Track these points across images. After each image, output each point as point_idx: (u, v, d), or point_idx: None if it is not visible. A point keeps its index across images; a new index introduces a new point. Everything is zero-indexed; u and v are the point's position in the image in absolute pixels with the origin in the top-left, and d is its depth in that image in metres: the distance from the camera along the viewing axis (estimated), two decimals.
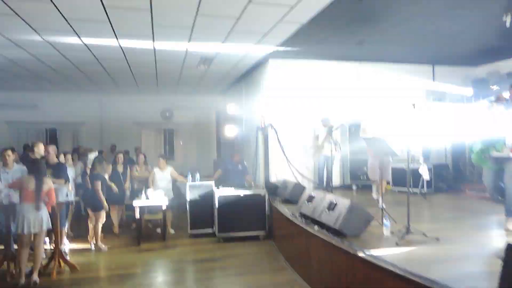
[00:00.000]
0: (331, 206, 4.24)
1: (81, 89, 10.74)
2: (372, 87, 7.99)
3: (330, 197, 4.53)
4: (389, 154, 5.00)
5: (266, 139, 8.12)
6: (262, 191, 6.81)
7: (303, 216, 4.99)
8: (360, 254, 3.32)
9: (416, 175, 6.69)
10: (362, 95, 7.83)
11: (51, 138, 11.55)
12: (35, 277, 4.90)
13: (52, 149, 6.45)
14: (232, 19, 5.05)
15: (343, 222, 3.90)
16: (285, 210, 5.77)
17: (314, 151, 7.64)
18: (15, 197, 4.98)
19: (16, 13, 4.71)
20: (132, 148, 10.60)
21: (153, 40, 6.01)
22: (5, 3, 4.36)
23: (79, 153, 8.38)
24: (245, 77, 9.32)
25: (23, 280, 4.80)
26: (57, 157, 6.23)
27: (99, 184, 6.39)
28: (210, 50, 6.67)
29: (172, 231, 7.40)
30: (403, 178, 6.14)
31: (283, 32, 5.68)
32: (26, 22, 5.03)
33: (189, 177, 7.14)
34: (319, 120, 7.53)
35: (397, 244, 3.66)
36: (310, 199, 4.97)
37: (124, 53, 6.77)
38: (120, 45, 6.26)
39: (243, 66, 8.07)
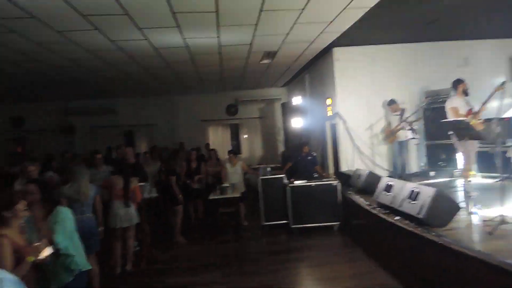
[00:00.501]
0: (413, 195, 4.06)
1: (153, 92, 11.42)
2: (447, 67, 7.44)
3: (411, 185, 4.33)
4: (475, 138, 4.63)
5: (334, 129, 7.99)
6: (334, 181, 6.72)
7: (381, 206, 4.84)
8: (452, 246, 3.14)
9: (505, 160, 6.13)
10: (437, 77, 7.33)
11: (128, 139, 12.41)
12: (129, 266, 5.39)
13: (129, 150, 7.00)
14: (296, 11, 5.01)
15: (428, 211, 3.72)
16: (361, 200, 5.65)
17: (386, 138, 7.35)
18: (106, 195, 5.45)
19: (96, 28, 5.13)
20: (200, 144, 11.11)
21: (218, 40, 6.18)
22: (88, 20, 4.76)
23: (155, 152, 8.92)
24: (308, 67, 9.22)
25: (118, 269, 5.30)
26: (135, 157, 6.73)
27: (173, 179, 6.77)
28: (273, 43, 6.69)
29: (245, 223, 7.61)
30: (489, 163, 5.68)
31: (348, 19, 5.51)
32: (103, 34, 5.45)
33: (261, 170, 7.28)
34: (387, 105, 7.24)
35: (490, 234, 3.41)
36: (388, 188, 4.80)
37: (191, 55, 7.05)
38: (187, 48, 6.53)
39: (307, 56, 7.97)
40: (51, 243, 2.63)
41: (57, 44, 5.76)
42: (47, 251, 2.47)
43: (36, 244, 2.45)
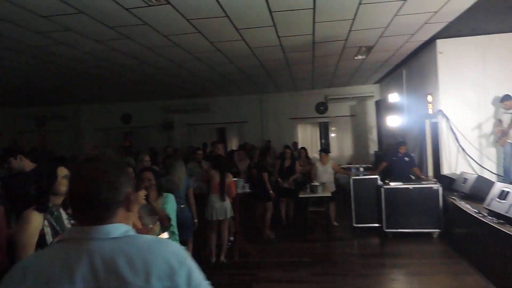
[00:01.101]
0: None
1: (244, 91, 11.80)
2: None
3: None
4: None
5: (435, 128, 7.37)
6: (435, 185, 6.22)
7: (494, 214, 4.33)
8: None
9: None
10: None
11: (221, 136, 13.03)
12: (222, 258, 5.65)
13: (221, 146, 7.34)
14: (398, 2, 4.72)
15: None
16: (467, 206, 5.13)
17: (497, 139, 6.56)
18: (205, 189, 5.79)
19: (199, 31, 5.45)
20: (288, 143, 11.17)
21: (313, 37, 6.12)
22: (191, 24, 5.09)
23: (246, 149, 9.21)
24: (406, 62, 8.64)
25: (213, 259, 5.59)
26: (228, 153, 7.01)
27: (266, 176, 6.92)
28: (370, 38, 6.41)
29: (335, 223, 7.45)
30: None
31: (456, 7, 5.02)
32: (204, 36, 5.76)
33: (353, 170, 7.06)
34: (500, 101, 6.43)
35: None
36: (503, 195, 4.28)
37: (284, 53, 7.10)
38: (281, 46, 6.59)
39: (405, 50, 7.49)
40: (164, 226, 2.89)
41: (163, 47, 6.27)
42: (165, 235, 2.72)
43: (151, 226, 2.69)
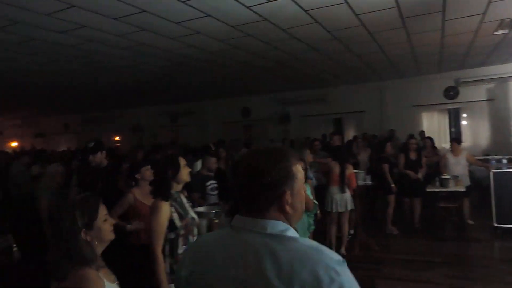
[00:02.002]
0: None
1: (362, 79, 11.32)
2: None
3: None
4: None
5: None
6: None
7: None
8: None
9: None
10: None
11: (338, 126, 12.76)
12: (343, 250, 5.57)
13: (336, 138, 7.17)
14: None
15: None
16: None
17: None
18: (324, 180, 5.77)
19: (317, 21, 5.40)
20: (412, 132, 10.31)
21: (442, 15, 5.52)
22: (309, 15, 5.07)
23: (365, 140, 8.84)
24: None
25: (333, 250, 5.55)
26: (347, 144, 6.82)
27: (386, 167, 6.52)
28: None
29: (470, 221, 6.67)
30: None
31: None
32: (321, 25, 5.69)
33: (493, 162, 6.20)
34: None
35: None
36: None
37: (408, 35, 6.58)
38: (404, 29, 6.12)
39: None
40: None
41: (281, 41, 6.40)
42: None
43: None
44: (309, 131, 12.62)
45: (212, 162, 5.17)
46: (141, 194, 3.59)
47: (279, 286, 1.00)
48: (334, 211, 5.43)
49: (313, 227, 4.51)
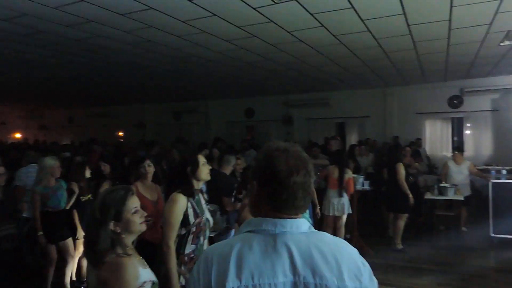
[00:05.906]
0: None
1: (366, 84, 11.32)
2: None
3: None
4: None
5: None
6: None
7: None
8: None
9: None
10: None
11: (340, 131, 12.77)
12: None
13: (334, 143, 7.17)
14: None
15: None
16: None
17: None
18: (323, 183, 5.79)
19: (323, 24, 5.43)
20: (413, 139, 10.36)
21: (449, 24, 5.52)
22: (315, 18, 5.10)
23: (368, 145, 8.85)
24: None
25: None
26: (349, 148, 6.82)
27: (404, 180, 6.45)
28: None
29: (464, 228, 6.68)
30: None
31: None
32: (327, 29, 5.71)
33: (493, 172, 6.20)
34: None
35: None
36: None
37: (413, 42, 6.59)
38: (410, 36, 6.13)
39: None
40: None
41: (286, 43, 6.42)
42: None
43: None
44: (312, 134, 12.65)
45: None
46: (143, 188, 3.63)
47: (334, 280, 1.05)
48: (331, 214, 5.45)
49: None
